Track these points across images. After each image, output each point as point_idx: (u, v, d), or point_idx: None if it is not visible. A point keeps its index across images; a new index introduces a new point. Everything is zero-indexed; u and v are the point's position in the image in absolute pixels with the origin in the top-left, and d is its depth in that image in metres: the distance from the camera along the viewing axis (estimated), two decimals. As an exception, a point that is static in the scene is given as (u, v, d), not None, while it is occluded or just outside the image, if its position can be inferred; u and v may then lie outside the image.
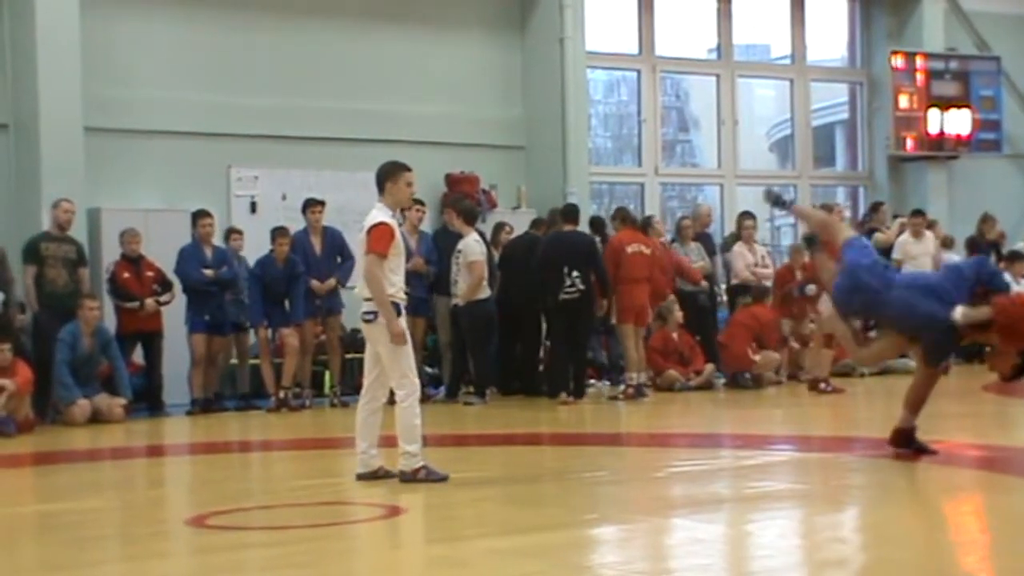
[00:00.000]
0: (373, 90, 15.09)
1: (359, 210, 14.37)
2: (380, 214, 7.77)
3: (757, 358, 13.90)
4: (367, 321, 7.68)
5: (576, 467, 8.64)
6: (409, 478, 7.53)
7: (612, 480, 8.02)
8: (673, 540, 6.18)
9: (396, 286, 7.68)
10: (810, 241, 8.70)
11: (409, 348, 7.66)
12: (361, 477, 7.74)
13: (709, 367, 14.05)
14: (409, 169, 7.90)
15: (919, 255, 14.92)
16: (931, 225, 16.44)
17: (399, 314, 7.65)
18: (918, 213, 15.50)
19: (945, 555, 5.47)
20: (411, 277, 12.99)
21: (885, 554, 5.52)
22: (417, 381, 7.72)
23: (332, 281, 13.08)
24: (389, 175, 7.83)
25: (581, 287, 12.81)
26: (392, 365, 7.62)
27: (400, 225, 7.83)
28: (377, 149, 14.86)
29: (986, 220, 17.27)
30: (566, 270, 12.80)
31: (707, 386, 13.93)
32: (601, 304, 13.02)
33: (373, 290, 7.65)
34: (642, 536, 6.25)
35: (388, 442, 7.78)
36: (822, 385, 12.92)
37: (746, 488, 7.41)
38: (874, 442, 8.74)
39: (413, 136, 15.00)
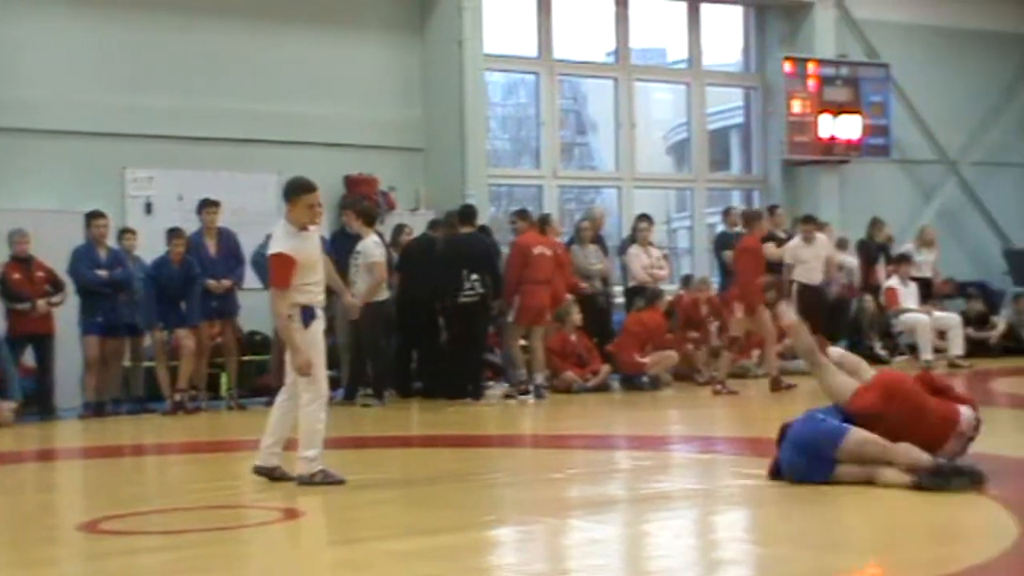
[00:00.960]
0: (271, 91, 14.98)
1: (256, 211, 14.38)
2: (280, 236, 7.62)
3: (647, 359, 14.04)
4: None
5: (475, 469, 8.67)
6: (306, 482, 7.50)
7: (510, 482, 8.06)
8: (570, 541, 6.22)
9: (311, 292, 7.61)
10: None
11: (317, 354, 7.59)
12: (258, 471, 7.69)
13: (605, 368, 14.17)
14: (312, 190, 7.70)
15: (810, 259, 15.13)
16: (823, 227, 16.74)
17: (314, 317, 7.58)
18: (809, 219, 15.69)
19: (836, 552, 5.58)
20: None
21: (779, 552, 5.62)
22: (325, 387, 7.68)
23: (227, 282, 12.96)
24: (289, 195, 7.69)
25: (480, 290, 12.85)
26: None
27: (300, 231, 7.67)
28: (275, 150, 14.83)
29: (875, 224, 17.63)
30: (464, 273, 12.83)
31: (604, 387, 14.04)
32: (495, 306, 13.08)
33: (278, 324, 7.61)
34: (540, 537, 6.29)
35: (293, 445, 7.73)
36: (718, 387, 13.10)
37: (642, 488, 7.50)
38: (768, 442, 8.87)
39: (311, 137, 14.93)
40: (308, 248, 7.63)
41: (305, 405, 7.57)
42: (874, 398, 6.98)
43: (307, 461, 7.53)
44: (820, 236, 15.49)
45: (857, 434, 6.84)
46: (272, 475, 7.68)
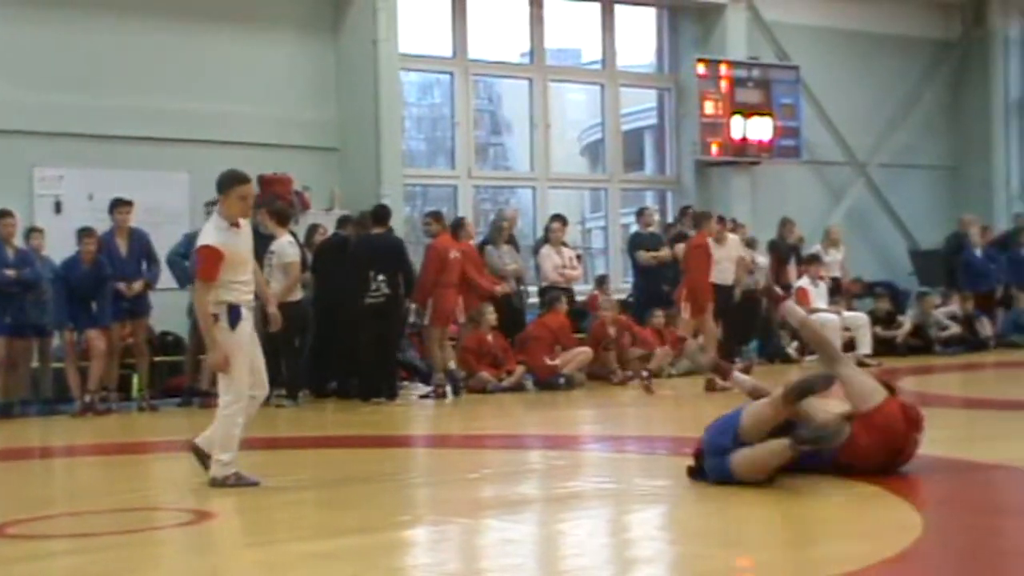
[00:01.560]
0: (183, 89, 14.82)
1: (168, 211, 14.24)
2: (210, 230, 7.56)
3: (557, 361, 14.09)
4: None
5: (389, 469, 8.66)
6: (219, 484, 7.44)
7: (425, 482, 8.06)
8: (485, 541, 6.25)
9: (239, 291, 7.53)
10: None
11: (241, 356, 7.50)
12: (194, 447, 7.72)
13: (520, 368, 14.21)
14: (245, 181, 7.66)
15: (721, 259, 15.24)
16: (736, 228, 16.93)
17: (240, 317, 7.49)
18: (721, 219, 15.85)
19: (748, 550, 5.66)
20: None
21: (691, 550, 5.69)
22: (245, 390, 7.59)
23: (139, 284, 12.81)
24: (221, 188, 7.64)
25: (386, 291, 12.87)
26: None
27: (231, 227, 7.59)
28: (188, 149, 14.69)
29: (785, 224, 17.85)
30: (371, 273, 12.85)
31: (519, 387, 14.08)
32: (408, 307, 13.10)
33: (199, 317, 7.53)
34: (455, 537, 6.30)
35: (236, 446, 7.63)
36: (646, 379, 13.24)
37: (556, 488, 7.53)
38: (682, 440, 8.97)
39: (225, 136, 14.81)
40: (238, 244, 7.54)
41: (223, 407, 7.51)
42: (869, 443, 6.85)
43: (221, 464, 7.47)
44: (732, 237, 15.61)
45: (750, 408, 6.98)
46: (201, 457, 7.66)
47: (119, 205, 12.89)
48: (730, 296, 15.17)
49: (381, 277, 12.86)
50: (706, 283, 13.08)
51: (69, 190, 14.17)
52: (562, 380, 14.01)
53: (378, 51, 15.62)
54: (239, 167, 14.95)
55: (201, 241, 7.52)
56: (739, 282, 15.48)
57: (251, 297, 7.66)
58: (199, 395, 12.95)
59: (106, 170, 14.15)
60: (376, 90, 15.61)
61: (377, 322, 12.90)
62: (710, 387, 12.99)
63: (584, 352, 14.38)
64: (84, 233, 12.56)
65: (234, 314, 7.44)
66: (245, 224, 7.63)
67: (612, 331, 14.72)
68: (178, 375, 13.80)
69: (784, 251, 17.52)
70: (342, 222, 14.27)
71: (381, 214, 13.49)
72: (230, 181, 7.59)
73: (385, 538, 6.12)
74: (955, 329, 17.93)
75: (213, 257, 7.39)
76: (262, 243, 13.11)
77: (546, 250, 15.24)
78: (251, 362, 7.61)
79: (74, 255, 12.56)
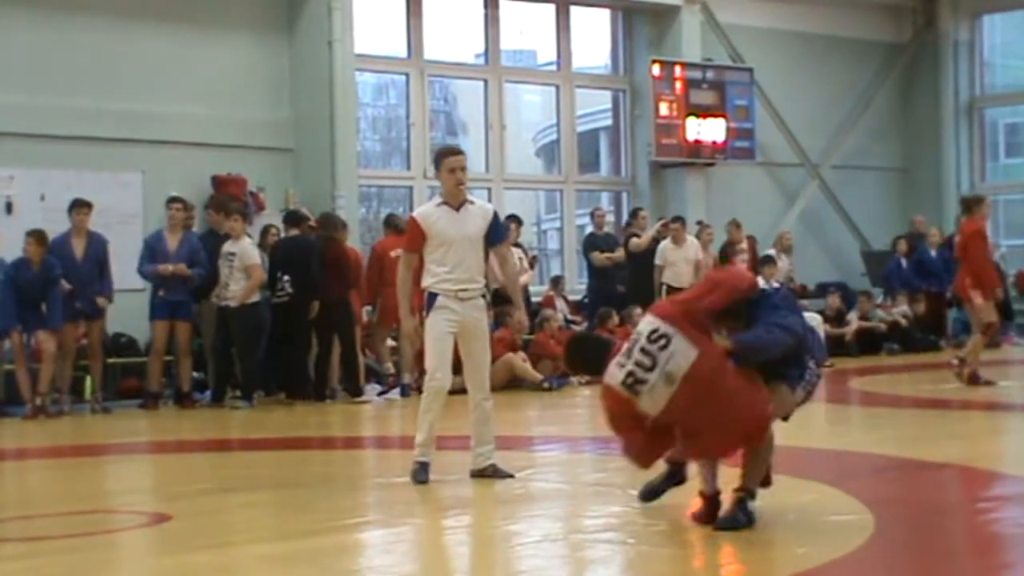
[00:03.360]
0: (137, 89, 14.72)
1: (121, 212, 14.14)
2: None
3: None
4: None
5: (345, 471, 8.65)
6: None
7: (381, 483, 8.05)
8: (441, 542, 6.26)
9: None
10: None
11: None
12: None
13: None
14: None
15: (677, 261, 15.33)
16: (702, 230, 17.02)
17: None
18: (678, 219, 15.92)
19: (702, 549, 5.70)
20: (167, 280, 12.84)
21: (646, 550, 5.72)
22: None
23: (103, 300, 12.72)
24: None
25: (290, 290, 13.19)
26: None
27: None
28: (142, 150, 14.60)
29: (733, 225, 17.89)
30: (278, 274, 13.21)
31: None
32: (312, 307, 13.20)
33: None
34: (410, 539, 6.31)
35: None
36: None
37: (512, 488, 7.54)
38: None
39: (179, 137, 14.74)
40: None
41: None
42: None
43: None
44: (690, 238, 15.70)
45: None
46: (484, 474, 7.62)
47: (77, 206, 12.77)
48: None
49: (286, 277, 13.19)
50: (989, 266, 12.91)
51: (21, 191, 14.02)
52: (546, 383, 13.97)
53: (333, 52, 15.58)
54: (192, 168, 15.15)
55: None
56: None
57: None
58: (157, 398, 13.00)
59: (58, 170, 14.03)
60: (331, 91, 15.57)
61: (281, 321, 13.19)
62: (972, 381, 12.52)
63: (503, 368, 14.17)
64: (29, 235, 12.45)
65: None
66: None
67: (552, 343, 14.56)
68: (132, 377, 13.70)
69: (733, 253, 17.50)
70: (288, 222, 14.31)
71: (294, 218, 13.79)
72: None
73: (341, 540, 6.12)
74: (902, 322, 18.03)
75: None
76: (217, 242, 13.12)
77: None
78: None
79: (23, 256, 12.45)
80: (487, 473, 7.53)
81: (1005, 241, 22.01)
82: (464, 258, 7.49)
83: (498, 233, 7.73)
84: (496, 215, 7.74)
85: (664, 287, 15.33)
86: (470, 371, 7.63)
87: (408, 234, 7.72)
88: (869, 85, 21.24)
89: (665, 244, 15.65)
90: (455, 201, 7.56)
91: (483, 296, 7.65)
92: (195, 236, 13.44)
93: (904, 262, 19.15)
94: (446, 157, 7.68)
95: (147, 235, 13.41)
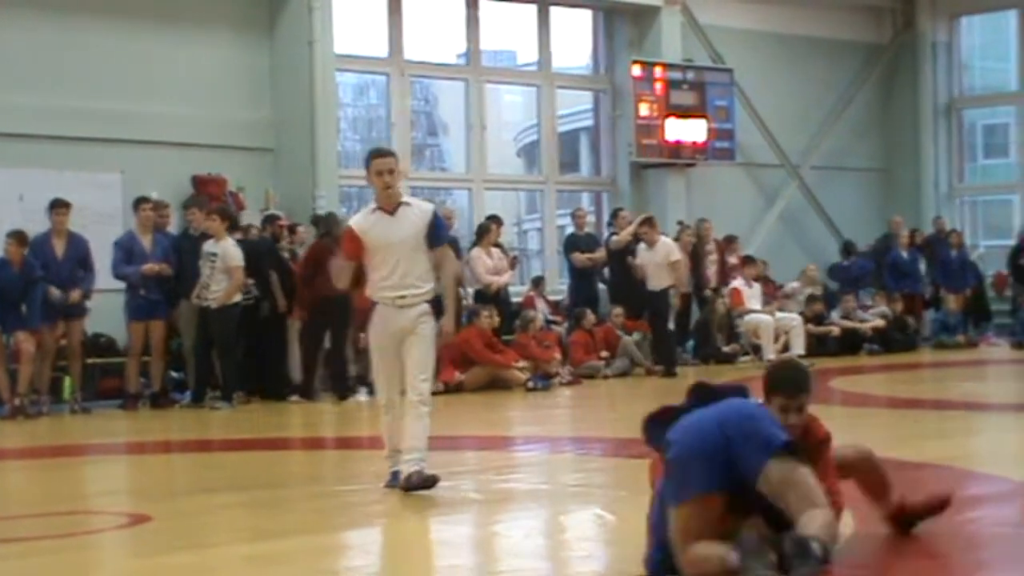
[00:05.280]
0: (116, 89, 14.67)
1: (100, 212, 14.09)
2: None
3: (463, 376, 14.02)
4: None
5: (324, 471, 8.65)
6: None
7: (361, 484, 8.05)
8: (421, 542, 6.26)
9: None
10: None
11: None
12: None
13: (457, 373, 14.18)
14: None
15: (648, 263, 15.31)
16: (682, 231, 17.05)
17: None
18: (646, 221, 15.82)
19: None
20: (147, 280, 12.82)
21: (626, 551, 5.73)
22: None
23: (76, 294, 12.66)
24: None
25: (256, 293, 13.31)
26: None
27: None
28: (120, 149, 14.55)
29: (702, 224, 17.91)
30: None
31: (457, 388, 14.06)
32: (281, 305, 13.34)
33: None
34: (391, 539, 6.31)
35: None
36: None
37: (492, 489, 7.56)
38: (617, 442, 9.04)
39: (158, 137, 14.69)
40: None
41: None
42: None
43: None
44: (663, 240, 15.62)
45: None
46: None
47: (56, 206, 12.73)
48: (661, 300, 15.23)
49: (252, 281, 13.27)
50: None
51: (-1, 191, 13.98)
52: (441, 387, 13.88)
53: (313, 51, 15.56)
54: (172, 168, 15.11)
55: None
56: (679, 285, 15.56)
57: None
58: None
59: (37, 170, 13.97)
60: (311, 91, 15.55)
61: (246, 323, 13.21)
62: None
63: (483, 371, 14.19)
64: (9, 236, 12.42)
65: None
66: None
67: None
68: (111, 377, 13.66)
69: (701, 249, 17.53)
70: (266, 223, 14.32)
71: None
72: None
73: (321, 541, 6.12)
74: (879, 322, 18.10)
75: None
76: (192, 243, 13.12)
77: (476, 252, 15.24)
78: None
79: (2, 257, 12.41)
80: (412, 480, 7.03)
81: (983, 242, 22.13)
82: (399, 263, 7.15)
83: (438, 234, 7.31)
84: (436, 215, 7.34)
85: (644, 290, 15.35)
86: (406, 371, 7.18)
87: (344, 243, 7.38)
88: (849, 86, 21.31)
89: (638, 248, 15.58)
90: (388, 205, 7.21)
91: (427, 301, 7.22)
92: (164, 236, 13.40)
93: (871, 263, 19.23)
94: (373, 159, 7.33)
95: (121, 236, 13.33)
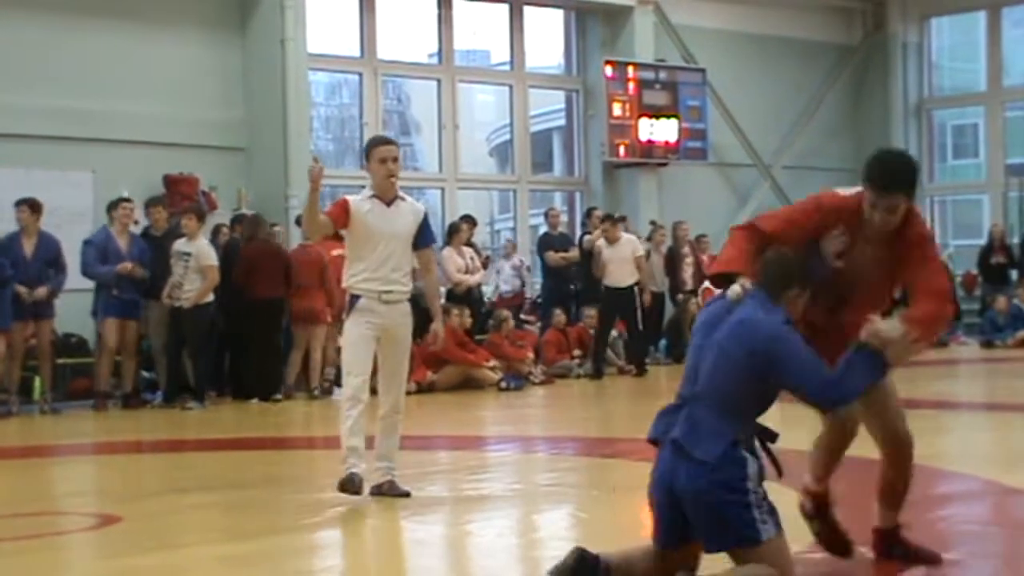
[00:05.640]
0: (87, 87, 14.59)
1: (71, 211, 14.01)
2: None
3: (435, 376, 14.01)
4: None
5: (296, 471, 8.63)
6: None
7: (332, 484, 8.03)
8: (394, 542, 6.26)
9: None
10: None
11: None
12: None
13: (429, 372, 14.17)
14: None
15: (614, 260, 15.30)
16: (656, 230, 17.07)
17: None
18: (608, 218, 15.82)
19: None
20: (121, 280, 12.76)
21: (598, 550, 5.73)
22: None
23: (42, 290, 12.57)
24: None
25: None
26: None
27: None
28: (91, 148, 14.48)
29: (678, 225, 17.95)
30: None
31: (429, 388, 14.06)
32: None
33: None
34: (364, 539, 6.31)
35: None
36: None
37: (464, 488, 7.56)
38: (589, 441, 9.04)
39: (130, 136, 14.62)
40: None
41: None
42: None
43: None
44: (626, 236, 15.59)
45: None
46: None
47: (19, 205, 12.63)
48: (626, 298, 15.21)
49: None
50: None
51: (-31, 189, 13.87)
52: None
53: (286, 51, 15.53)
54: (144, 167, 15.01)
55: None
56: (643, 283, 15.53)
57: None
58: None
59: (6, 169, 13.88)
60: (284, 90, 15.51)
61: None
62: None
63: (455, 370, 14.21)
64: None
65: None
66: None
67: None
68: (82, 377, 13.59)
69: (677, 252, 17.58)
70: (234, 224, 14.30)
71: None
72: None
73: (293, 540, 6.11)
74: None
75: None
76: (155, 244, 13.07)
77: (447, 252, 15.23)
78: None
79: (-29, 256, 12.33)
80: (383, 489, 6.93)
81: (953, 241, 22.27)
82: (390, 257, 6.95)
83: (427, 234, 7.18)
84: (427, 215, 7.24)
85: (605, 289, 15.35)
86: (384, 378, 7.05)
87: (334, 207, 7.04)
88: (820, 86, 21.41)
89: (599, 245, 15.53)
90: (386, 196, 7.02)
91: (408, 300, 7.07)
92: (138, 236, 13.35)
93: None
94: (377, 146, 7.10)
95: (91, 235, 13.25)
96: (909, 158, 4.93)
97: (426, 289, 7.58)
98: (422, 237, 7.12)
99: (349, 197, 7.14)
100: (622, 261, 15.18)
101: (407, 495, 6.91)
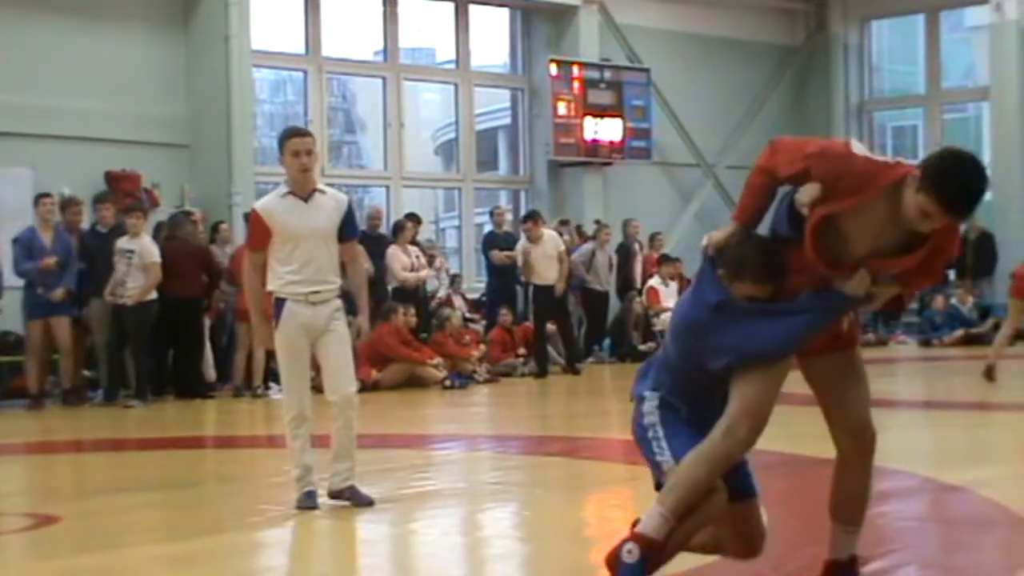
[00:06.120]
0: (27, 82, 14.41)
1: (11, 207, 13.84)
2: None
3: (380, 375, 13.96)
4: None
5: (239, 470, 8.58)
6: None
7: (275, 482, 7.98)
8: (339, 541, 6.23)
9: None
10: None
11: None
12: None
13: (373, 371, 14.12)
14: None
15: (539, 258, 15.32)
16: (600, 229, 17.12)
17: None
18: (529, 217, 15.83)
19: (603, 547, 5.75)
20: (46, 275, 12.62)
21: (545, 547, 5.75)
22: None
23: None
24: None
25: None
26: None
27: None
28: (31, 144, 14.31)
29: (629, 224, 18.03)
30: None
31: (374, 387, 14.00)
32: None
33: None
34: (308, 538, 6.28)
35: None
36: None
37: (409, 487, 7.55)
38: (533, 440, 9.05)
39: (70, 132, 14.46)
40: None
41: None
42: None
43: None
44: (548, 233, 15.60)
45: None
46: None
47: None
48: (551, 296, 15.22)
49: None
50: None
51: (-95, 185, 13.68)
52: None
53: (229, 47, 15.42)
54: (85, 163, 14.86)
55: None
56: (562, 279, 15.43)
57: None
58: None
59: (-55, 165, 13.72)
60: (227, 87, 15.41)
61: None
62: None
63: (400, 368, 14.20)
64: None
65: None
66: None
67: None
68: (20, 376, 13.43)
69: (631, 252, 17.70)
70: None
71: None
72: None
73: (236, 540, 6.07)
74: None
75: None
76: (102, 240, 12.95)
77: (392, 250, 15.18)
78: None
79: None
80: (344, 496, 6.61)
81: (894, 241, 22.47)
82: (314, 256, 6.51)
83: (352, 227, 6.73)
84: (351, 206, 6.76)
85: (531, 287, 15.37)
86: (328, 376, 6.68)
87: (251, 231, 6.65)
88: (763, 87, 21.56)
89: (521, 244, 15.53)
90: (302, 190, 6.55)
91: (338, 296, 6.65)
92: (69, 233, 13.18)
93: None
94: (290, 139, 6.62)
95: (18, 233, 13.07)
96: (986, 180, 4.10)
97: (352, 282, 7.03)
98: (347, 229, 6.68)
99: (258, 205, 6.75)
100: (547, 258, 15.19)
101: (371, 504, 6.58)
